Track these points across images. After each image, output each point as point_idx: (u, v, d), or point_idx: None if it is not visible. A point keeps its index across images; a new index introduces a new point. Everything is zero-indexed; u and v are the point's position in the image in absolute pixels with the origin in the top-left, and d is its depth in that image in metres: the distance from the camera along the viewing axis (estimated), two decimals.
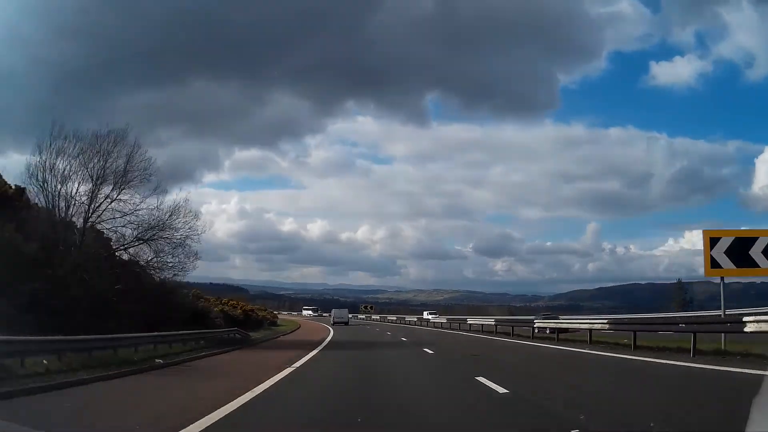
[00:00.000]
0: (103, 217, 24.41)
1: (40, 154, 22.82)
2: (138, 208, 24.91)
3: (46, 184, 22.84)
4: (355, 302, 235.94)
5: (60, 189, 22.93)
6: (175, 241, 25.82)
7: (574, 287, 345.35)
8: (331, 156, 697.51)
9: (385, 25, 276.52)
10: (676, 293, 79.39)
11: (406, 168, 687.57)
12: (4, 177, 24.81)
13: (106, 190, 24.13)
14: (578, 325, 28.45)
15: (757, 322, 15.00)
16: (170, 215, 25.69)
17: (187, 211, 26.18)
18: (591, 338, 24.25)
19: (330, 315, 78.87)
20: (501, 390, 10.18)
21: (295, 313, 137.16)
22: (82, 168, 23.65)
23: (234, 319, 38.40)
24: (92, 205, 23.62)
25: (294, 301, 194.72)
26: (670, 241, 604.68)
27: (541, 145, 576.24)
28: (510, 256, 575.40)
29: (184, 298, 31.56)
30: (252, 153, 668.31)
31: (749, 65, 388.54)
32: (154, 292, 25.79)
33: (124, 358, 16.01)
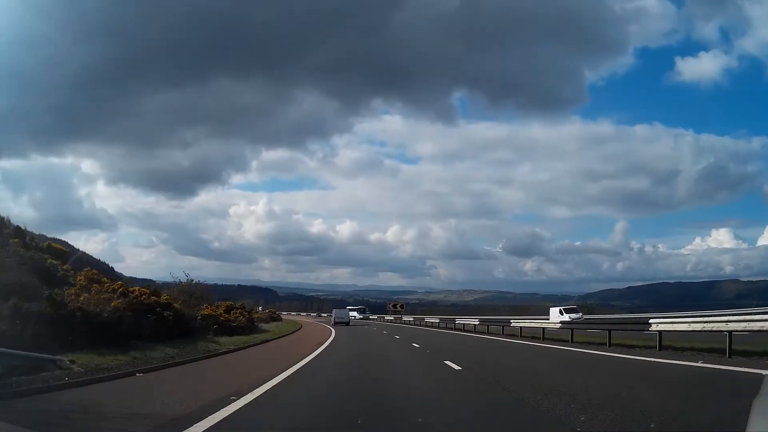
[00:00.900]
0: None
1: None
2: None
3: None
4: (385, 304, 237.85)
5: None
6: None
7: (603, 287, 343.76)
8: (359, 156, 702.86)
9: (410, 21, 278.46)
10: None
11: (434, 167, 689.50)
12: None
13: None
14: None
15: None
16: None
17: None
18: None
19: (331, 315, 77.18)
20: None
21: (304, 314, 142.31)
22: None
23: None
24: None
25: (323, 302, 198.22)
26: (697, 240, 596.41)
27: (567, 142, 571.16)
28: (539, 255, 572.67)
29: None
30: (279, 153, 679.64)
31: None
32: None
33: None
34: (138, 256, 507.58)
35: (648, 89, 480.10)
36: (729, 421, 6.72)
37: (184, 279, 37.92)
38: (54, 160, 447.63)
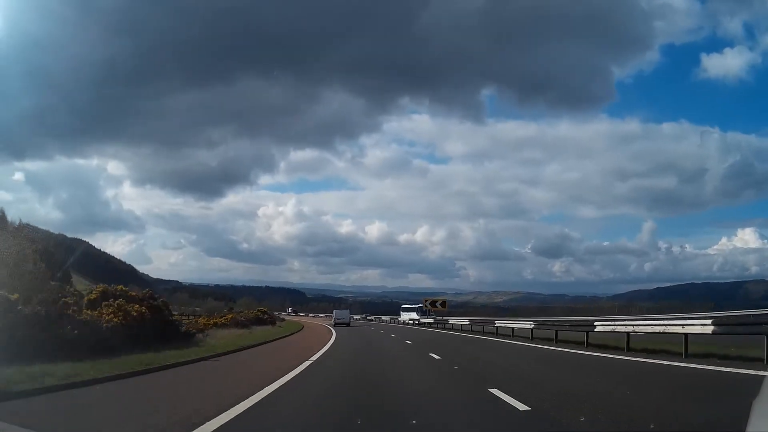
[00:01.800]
0: None
1: None
2: None
3: None
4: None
5: None
6: None
7: (631, 288, 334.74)
8: (387, 156, 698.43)
9: (436, 18, 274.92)
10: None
11: (463, 167, 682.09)
12: None
13: None
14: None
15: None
16: None
17: None
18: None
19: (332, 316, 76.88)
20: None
21: (312, 315, 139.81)
22: None
23: None
24: None
25: (351, 304, 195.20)
26: (723, 240, 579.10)
27: (595, 141, 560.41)
28: (568, 256, 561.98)
29: None
30: (307, 154, 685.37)
31: None
32: None
33: None
34: (166, 257, 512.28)
35: (674, 86, 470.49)
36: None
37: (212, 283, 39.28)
38: (79, 161, 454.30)
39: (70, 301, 18.66)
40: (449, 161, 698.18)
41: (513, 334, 33.50)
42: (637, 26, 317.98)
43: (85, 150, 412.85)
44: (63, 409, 9.05)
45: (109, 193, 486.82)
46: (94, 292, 22.54)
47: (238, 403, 8.86)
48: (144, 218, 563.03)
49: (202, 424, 7.24)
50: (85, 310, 19.03)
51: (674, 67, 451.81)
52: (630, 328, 20.49)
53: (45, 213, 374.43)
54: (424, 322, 68.86)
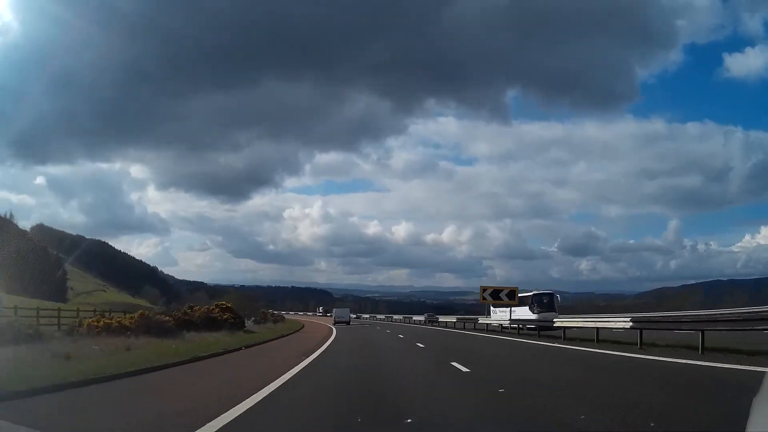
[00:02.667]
0: None
1: None
2: None
3: None
4: (442, 304, 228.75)
5: None
6: None
7: (657, 285, 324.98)
8: (414, 158, 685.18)
9: (460, 17, 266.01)
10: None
11: (489, 168, 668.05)
12: None
13: None
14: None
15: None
16: None
17: None
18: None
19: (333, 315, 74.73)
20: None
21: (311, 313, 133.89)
22: None
23: None
24: None
25: (378, 303, 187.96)
26: (747, 237, 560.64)
27: (621, 141, 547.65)
28: (594, 255, 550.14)
29: None
30: (333, 156, 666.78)
31: None
32: None
33: None
34: (192, 259, 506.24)
35: (698, 86, 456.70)
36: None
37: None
38: (102, 165, 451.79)
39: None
40: (475, 163, 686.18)
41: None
42: (661, 24, 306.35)
43: (108, 154, 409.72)
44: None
45: (134, 196, 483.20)
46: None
47: None
48: (169, 221, 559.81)
49: None
50: None
51: (697, 67, 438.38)
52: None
53: (69, 217, 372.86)
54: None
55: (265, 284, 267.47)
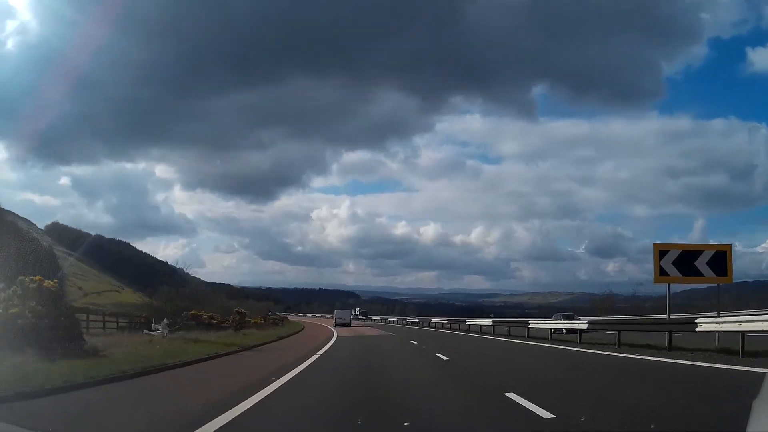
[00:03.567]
0: None
1: None
2: None
3: None
4: (471, 306, 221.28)
5: None
6: None
7: (686, 287, 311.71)
8: (441, 157, 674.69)
9: (485, 12, 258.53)
10: None
11: (517, 167, 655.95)
12: None
13: None
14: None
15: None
16: None
17: None
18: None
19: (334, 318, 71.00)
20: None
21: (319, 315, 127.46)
22: None
23: None
24: None
25: (406, 305, 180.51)
26: None
27: (647, 138, 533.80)
28: (621, 256, 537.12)
29: None
30: (360, 155, 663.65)
31: None
32: None
33: None
34: (219, 261, 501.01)
35: (722, 82, 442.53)
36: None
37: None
38: (126, 165, 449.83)
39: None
40: (502, 161, 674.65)
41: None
42: (685, 18, 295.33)
43: (131, 153, 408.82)
44: None
45: (159, 197, 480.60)
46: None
47: None
48: (196, 222, 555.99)
49: None
50: None
51: (721, 62, 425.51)
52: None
53: (94, 218, 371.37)
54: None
55: (292, 286, 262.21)
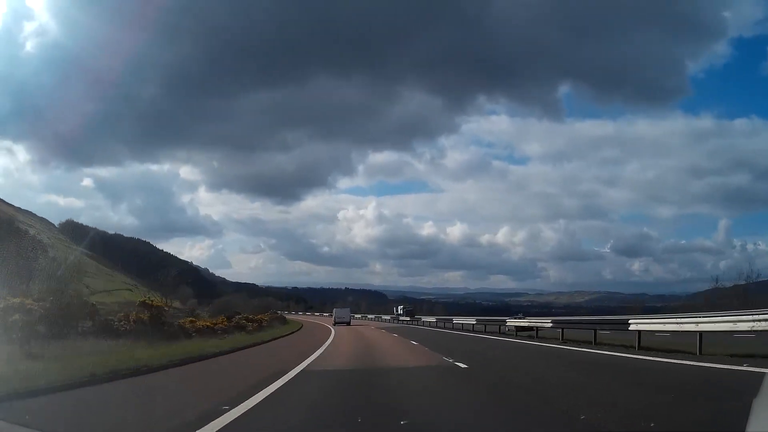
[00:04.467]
0: None
1: None
2: None
3: None
4: (498, 306, 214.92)
5: None
6: None
7: (708, 286, 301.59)
8: (467, 158, 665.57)
9: (509, 10, 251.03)
10: None
11: (543, 168, 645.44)
12: None
13: None
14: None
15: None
16: None
17: None
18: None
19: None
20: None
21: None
22: None
23: None
24: None
25: (434, 305, 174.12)
26: None
27: (671, 138, 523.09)
28: (646, 255, 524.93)
29: None
30: (386, 156, 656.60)
31: None
32: None
33: None
34: (246, 262, 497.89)
35: (744, 81, 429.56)
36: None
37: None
38: (152, 166, 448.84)
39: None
40: (528, 162, 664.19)
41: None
42: (708, 16, 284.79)
43: (156, 154, 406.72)
44: None
45: (185, 198, 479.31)
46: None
47: None
48: (222, 223, 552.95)
49: None
50: None
51: (743, 61, 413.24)
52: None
53: (119, 219, 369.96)
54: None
55: (318, 286, 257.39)
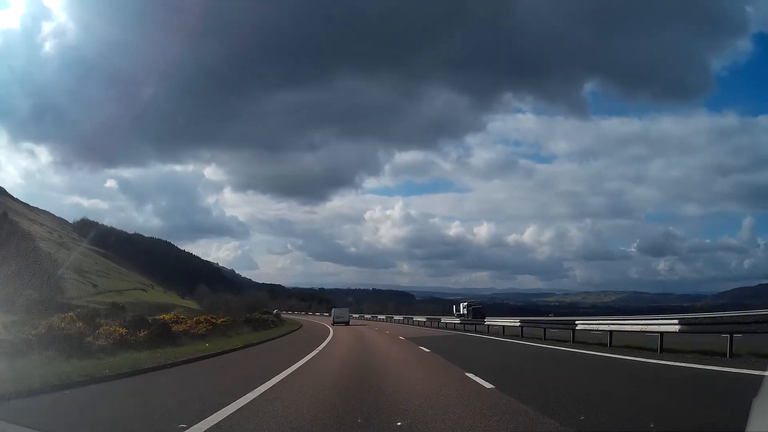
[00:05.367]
0: None
1: None
2: None
3: None
4: (525, 306, 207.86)
5: None
6: None
7: (734, 285, 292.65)
8: (493, 156, 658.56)
9: (534, 7, 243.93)
10: None
11: (569, 166, 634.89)
12: None
13: None
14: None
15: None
16: None
17: None
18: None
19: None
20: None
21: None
22: None
23: None
24: None
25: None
26: None
27: (696, 136, 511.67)
28: (672, 254, 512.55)
29: None
30: (412, 155, 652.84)
31: None
32: None
33: None
34: (273, 263, 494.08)
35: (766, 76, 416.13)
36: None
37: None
38: (176, 167, 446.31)
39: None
40: (554, 160, 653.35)
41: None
42: (731, 11, 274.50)
43: (180, 155, 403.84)
44: None
45: (210, 199, 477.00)
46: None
47: None
48: (248, 224, 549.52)
49: None
50: None
51: (766, 56, 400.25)
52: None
53: (144, 220, 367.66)
54: None
55: (345, 287, 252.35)
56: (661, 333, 15.88)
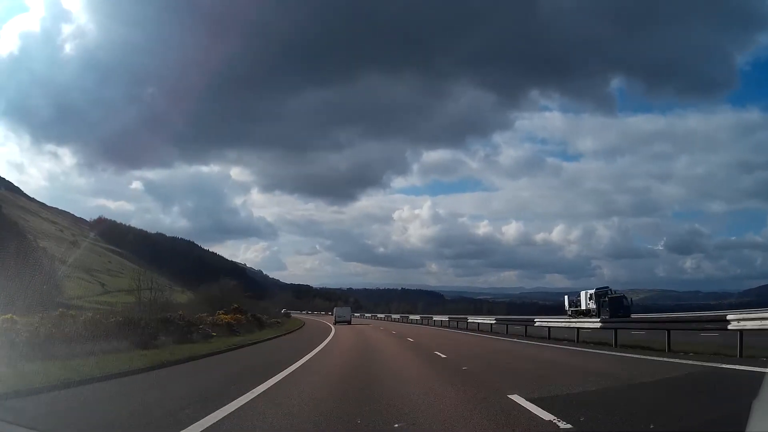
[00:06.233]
0: None
1: None
2: None
3: None
4: (554, 305, 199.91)
5: None
6: None
7: (760, 282, 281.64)
8: (521, 155, 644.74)
9: (559, 3, 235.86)
10: None
11: (595, 164, 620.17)
12: None
13: None
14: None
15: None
16: None
17: None
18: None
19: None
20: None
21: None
22: None
23: None
24: None
25: (492, 305, 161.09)
26: None
27: (720, 132, 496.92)
28: (698, 252, 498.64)
29: None
30: (440, 154, 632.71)
31: None
32: None
33: None
34: (301, 263, 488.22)
35: None
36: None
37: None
38: (202, 168, 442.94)
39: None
40: (581, 158, 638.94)
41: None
42: (755, 6, 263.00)
43: (206, 156, 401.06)
44: None
45: (237, 200, 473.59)
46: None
47: None
48: (276, 225, 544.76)
49: None
50: None
51: None
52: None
53: (171, 222, 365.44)
54: None
55: (373, 287, 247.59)
56: None
